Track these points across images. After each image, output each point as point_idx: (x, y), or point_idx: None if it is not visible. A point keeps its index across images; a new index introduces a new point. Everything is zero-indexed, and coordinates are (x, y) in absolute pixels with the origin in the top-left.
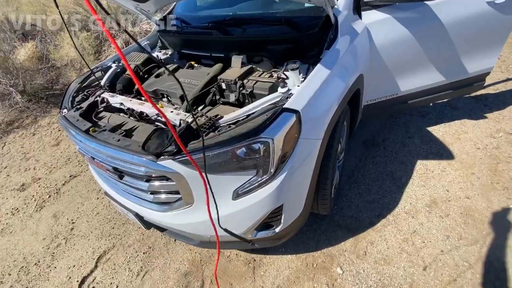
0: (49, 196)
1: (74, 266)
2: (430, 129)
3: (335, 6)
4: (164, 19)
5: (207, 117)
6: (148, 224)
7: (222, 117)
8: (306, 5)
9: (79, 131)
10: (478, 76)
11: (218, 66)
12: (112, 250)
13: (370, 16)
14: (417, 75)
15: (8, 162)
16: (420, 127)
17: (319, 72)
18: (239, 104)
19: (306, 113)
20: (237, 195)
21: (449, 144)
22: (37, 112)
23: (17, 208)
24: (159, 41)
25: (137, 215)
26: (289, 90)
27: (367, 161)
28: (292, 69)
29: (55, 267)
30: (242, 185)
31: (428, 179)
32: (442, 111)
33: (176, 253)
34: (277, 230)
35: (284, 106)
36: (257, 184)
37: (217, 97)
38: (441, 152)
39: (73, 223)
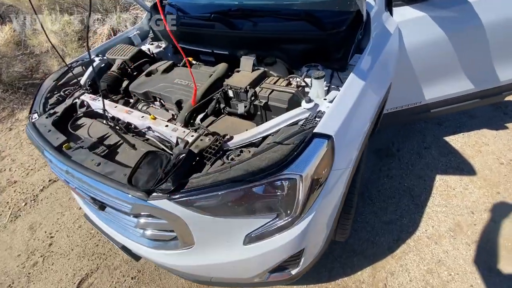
0: (25, 204)
1: None
2: (447, 139)
3: (367, 0)
4: (156, 5)
5: (211, 136)
6: (137, 257)
7: (231, 138)
8: None
9: (49, 147)
10: (510, 85)
11: (222, 66)
12: (96, 272)
13: (403, 13)
14: (446, 82)
15: None
16: (437, 137)
17: (353, 84)
18: (249, 116)
19: (339, 138)
20: (249, 240)
21: (469, 157)
22: (14, 104)
23: None
24: (151, 32)
25: (124, 248)
26: (316, 105)
27: (381, 174)
28: (317, 78)
29: None
30: (257, 229)
31: (450, 197)
32: (459, 119)
33: (169, 280)
34: (293, 272)
35: (315, 131)
36: (275, 228)
37: (222, 105)
38: (462, 166)
39: (51, 237)
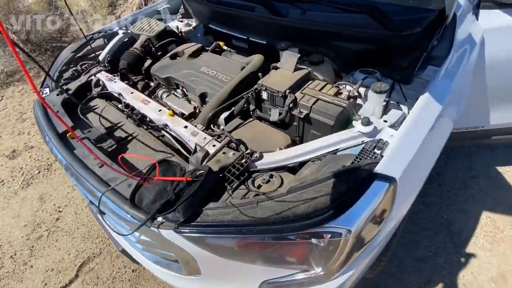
0: (39, 172)
1: (53, 270)
2: (500, 169)
3: None
4: None
5: (236, 150)
6: (138, 262)
7: (261, 156)
8: None
9: (51, 133)
10: None
11: (258, 58)
12: (98, 257)
13: (490, 19)
14: None
15: (2, 120)
16: (487, 165)
17: (428, 109)
18: (282, 125)
19: (403, 182)
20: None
21: None
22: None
23: (2, 181)
24: (182, 7)
25: (124, 252)
26: (375, 129)
27: (416, 199)
28: (378, 92)
29: (32, 266)
30: (278, 278)
31: (497, 241)
32: None
33: None
34: None
35: (376, 170)
36: (301, 281)
37: (251, 107)
38: None
39: (59, 211)
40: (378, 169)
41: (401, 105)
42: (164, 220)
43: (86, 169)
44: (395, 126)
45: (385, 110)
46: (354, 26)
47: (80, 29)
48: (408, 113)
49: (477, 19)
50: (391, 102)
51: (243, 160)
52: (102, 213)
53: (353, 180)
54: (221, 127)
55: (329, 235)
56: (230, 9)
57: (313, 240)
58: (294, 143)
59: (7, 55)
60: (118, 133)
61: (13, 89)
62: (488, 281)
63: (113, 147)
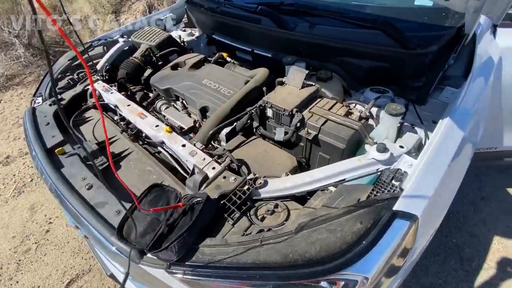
0: (31, 180)
1: (39, 287)
2: (511, 191)
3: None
4: None
5: (238, 175)
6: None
7: (265, 183)
8: (424, 4)
9: (39, 148)
10: None
11: (262, 72)
12: (87, 275)
13: (510, 38)
14: None
15: None
16: (497, 187)
17: (451, 135)
18: (288, 145)
19: (424, 218)
20: None
21: None
22: (42, 70)
23: None
24: (186, 16)
25: (112, 277)
26: (392, 156)
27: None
28: (394, 114)
29: (18, 282)
30: None
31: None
32: None
33: None
34: None
35: (397, 208)
36: None
37: (255, 123)
38: None
39: (50, 223)
40: (398, 205)
41: (416, 128)
42: (157, 260)
43: (72, 191)
44: (411, 152)
45: (399, 133)
46: (367, 42)
47: (77, 35)
48: (424, 136)
49: (495, 38)
50: (405, 124)
51: (246, 187)
52: (87, 237)
53: (372, 219)
54: (222, 143)
55: (343, 282)
56: (235, 21)
57: (323, 284)
58: (300, 164)
59: (8, 59)
60: (111, 149)
61: (11, 93)
62: None
63: (104, 165)
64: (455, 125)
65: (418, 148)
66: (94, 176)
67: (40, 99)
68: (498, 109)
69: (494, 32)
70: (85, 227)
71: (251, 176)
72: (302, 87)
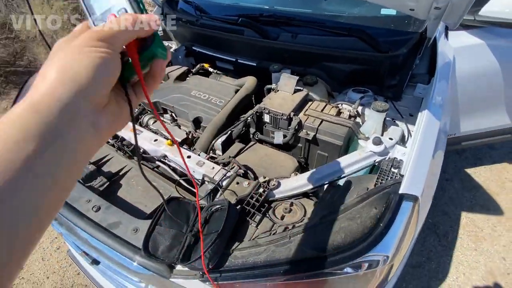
0: None
1: None
2: (469, 171)
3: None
4: (169, 0)
5: (250, 179)
6: None
7: (278, 184)
8: (389, 13)
9: None
10: None
11: (251, 81)
12: None
13: (459, 39)
14: (486, 115)
15: None
16: (458, 168)
17: (431, 124)
18: (287, 147)
19: (422, 197)
20: None
21: (494, 194)
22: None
23: None
24: (161, 29)
25: None
26: (385, 148)
27: None
28: (381, 110)
29: None
30: None
31: (479, 240)
32: (479, 150)
33: None
34: None
35: (402, 191)
36: None
37: (252, 130)
38: (488, 204)
39: None
40: (402, 189)
41: (396, 121)
42: (187, 268)
43: (81, 216)
44: (398, 143)
45: (384, 127)
46: (345, 48)
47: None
48: (406, 128)
49: (447, 39)
50: (387, 118)
51: (261, 190)
52: (96, 262)
53: (384, 203)
54: (217, 152)
55: (367, 264)
56: (217, 32)
57: (349, 270)
58: (300, 164)
59: None
60: (108, 168)
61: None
62: (479, 279)
63: (105, 185)
64: (432, 116)
65: (402, 139)
66: (99, 197)
67: None
68: (455, 101)
69: (446, 35)
70: (99, 251)
71: (266, 178)
72: (295, 93)
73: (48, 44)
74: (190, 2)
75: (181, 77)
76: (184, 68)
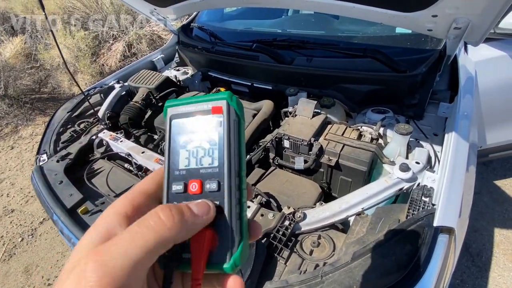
0: (22, 240)
1: None
2: (498, 183)
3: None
4: (185, 28)
5: (274, 211)
6: None
7: (304, 216)
8: (404, 31)
9: (60, 209)
10: None
11: (268, 105)
12: None
13: (479, 52)
14: None
15: None
16: (486, 180)
17: (459, 146)
18: (308, 172)
19: (458, 227)
20: None
21: None
22: (19, 120)
23: None
24: (177, 56)
25: None
26: (414, 175)
27: None
28: (405, 133)
29: None
30: None
31: None
32: (506, 161)
33: None
34: None
35: (436, 223)
36: None
37: (271, 155)
38: None
39: (48, 284)
40: (437, 221)
41: (421, 142)
42: None
43: None
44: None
45: (409, 150)
46: (361, 69)
47: (77, 85)
48: (432, 149)
49: (467, 53)
50: (410, 139)
51: (287, 223)
52: None
53: (419, 238)
54: None
55: None
56: (232, 58)
57: None
58: (322, 189)
59: None
60: None
61: None
62: None
63: None
64: (460, 137)
65: (429, 161)
66: None
67: (45, 156)
68: (479, 114)
69: (466, 48)
70: None
71: (287, 210)
72: (313, 116)
73: (71, 73)
74: (204, 29)
75: None
76: (201, 94)
